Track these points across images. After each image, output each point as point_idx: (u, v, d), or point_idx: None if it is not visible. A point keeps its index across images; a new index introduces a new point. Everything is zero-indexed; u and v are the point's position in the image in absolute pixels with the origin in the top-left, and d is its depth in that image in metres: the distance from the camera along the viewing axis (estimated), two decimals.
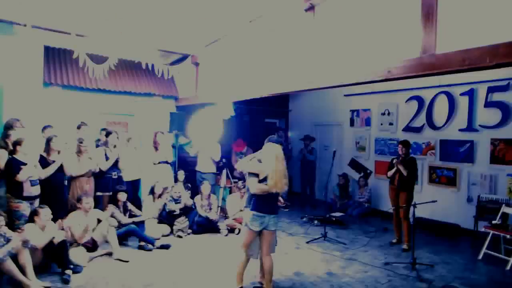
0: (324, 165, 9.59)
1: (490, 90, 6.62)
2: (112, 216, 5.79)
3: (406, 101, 7.99)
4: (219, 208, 7.32)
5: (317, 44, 4.98)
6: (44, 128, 6.13)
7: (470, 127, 6.91)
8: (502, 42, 2.95)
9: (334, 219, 7.53)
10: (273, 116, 11.01)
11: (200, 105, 8.32)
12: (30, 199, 5.03)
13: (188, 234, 6.70)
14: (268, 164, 4.05)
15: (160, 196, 6.75)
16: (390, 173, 6.39)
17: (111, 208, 5.87)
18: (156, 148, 7.37)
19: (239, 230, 5.97)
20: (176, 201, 6.80)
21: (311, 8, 4.98)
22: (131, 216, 6.12)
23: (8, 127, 5.46)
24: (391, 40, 3.98)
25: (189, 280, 4.71)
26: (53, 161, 5.45)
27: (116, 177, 6.41)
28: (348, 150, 9.35)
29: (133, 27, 6.71)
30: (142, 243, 5.86)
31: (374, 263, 5.50)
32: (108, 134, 6.50)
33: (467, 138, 6.95)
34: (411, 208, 5.50)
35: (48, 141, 5.51)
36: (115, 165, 6.39)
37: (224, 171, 7.89)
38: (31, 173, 4.95)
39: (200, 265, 5.24)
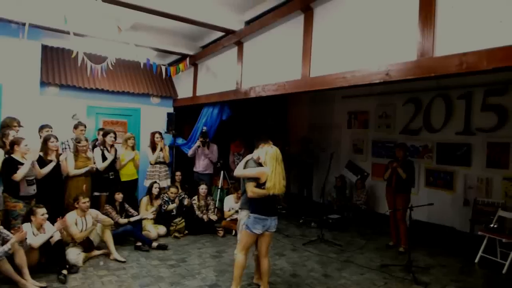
0: (321, 167, 9.59)
1: (487, 93, 6.64)
2: (108, 216, 5.78)
3: (403, 104, 8.01)
4: (216, 209, 7.31)
5: (315, 46, 4.99)
6: (41, 127, 6.12)
7: (467, 131, 6.92)
8: (500, 46, 2.96)
9: (331, 221, 7.53)
10: (272, 118, 11.00)
11: (198, 105, 8.36)
12: (27, 198, 5.01)
13: (185, 234, 6.69)
14: (267, 166, 4.05)
15: (157, 196, 6.74)
16: (386, 175, 6.41)
17: (107, 209, 5.88)
18: (153, 149, 7.37)
19: (235, 231, 5.97)
20: (173, 201, 6.79)
21: (308, 8, 5.00)
22: (128, 216, 6.11)
23: (5, 126, 5.44)
24: (389, 42, 3.99)
25: (186, 281, 4.70)
26: (50, 161, 5.44)
27: (113, 177, 6.40)
28: (345, 152, 9.36)
29: (132, 26, 6.74)
30: (139, 244, 5.85)
31: (371, 266, 5.51)
32: (105, 134, 6.49)
33: (464, 141, 6.97)
34: (408, 211, 5.51)
35: (46, 140, 5.49)
36: (112, 165, 6.38)
37: (221, 172, 7.89)
38: (28, 173, 4.93)
39: (197, 266, 5.23)
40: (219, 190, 7.79)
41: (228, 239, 6.59)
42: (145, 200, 6.68)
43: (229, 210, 6.98)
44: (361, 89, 7.71)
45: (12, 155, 4.93)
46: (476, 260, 5.73)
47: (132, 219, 6.05)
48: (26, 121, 5.87)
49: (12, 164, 4.85)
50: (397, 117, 8.21)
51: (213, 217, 6.98)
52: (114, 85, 8.06)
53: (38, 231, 4.61)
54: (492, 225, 5.76)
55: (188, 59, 7.62)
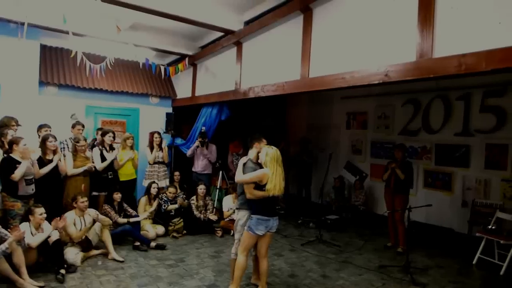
0: (320, 168, 9.59)
1: (486, 95, 6.65)
2: (107, 216, 5.78)
3: (402, 105, 8.02)
4: (214, 209, 7.31)
5: (314, 46, 4.99)
6: (40, 127, 6.10)
7: (465, 132, 6.93)
8: (499, 48, 2.96)
9: (329, 221, 7.54)
10: (271, 118, 11.00)
11: (197, 105, 8.35)
12: (25, 198, 4.99)
13: (183, 234, 6.69)
14: (268, 167, 4.04)
15: (155, 196, 6.74)
16: (385, 176, 6.42)
17: (105, 208, 5.88)
18: (152, 148, 7.36)
19: (233, 231, 5.95)
20: (172, 201, 6.79)
21: (308, 9, 5.00)
22: (126, 216, 6.10)
23: (3, 125, 5.43)
24: (388, 43, 3.99)
25: (184, 281, 4.70)
26: (49, 160, 5.43)
27: (111, 177, 6.40)
28: (344, 153, 9.37)
29: (132, 26, 6.73)
30: (137, 243, 5.85)
31: (369, 266, 5.51)
32: (104, 134, 6.48)
33: (463, 143, 6.98)
34: (406, 212, 5.51)
35: (44, 140, 5.48)
36: (111, 165, 6.38)
37: (220, 173, 7.89)
38: (26, 172, 4.92)
39: (195, 266, 5.23)
40: (217, 190, 7.79)
41: (227, 239, 6.58)
42: (143, 200, 6.67)
43: (228, 210, 6.97)
44: (360, 90, 7.74)
45: (10, 155, 4.92)
46: (474, 262, 5.73)
47: (131, 219, 6.05)
48: (25, 121, 5.85)
49: (10, 164, 4.83)
50: (396, 118, 8.22)
51: (213, 217, 6.98)
52: (113, 85, 8.05)
53: (36, 231, 4.60)
54: (490, 227, 5.77)
55: (187, 59, 7.62)
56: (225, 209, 7.03)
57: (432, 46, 3.50)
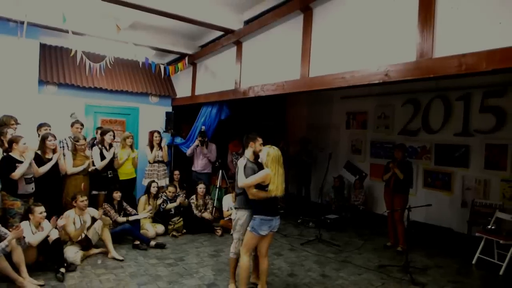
0: (320, 167, 9.59)
1: (486, 95, 6.65)
2: (107, 215, 5.78)
3: (402, 105, 8.02)
4: (214, 208, 7.31)
5: (314, 46, 4.99)
6: (40, 126, 6.10)
7: (465, 132, 6.94)
8: (499, 48, 2.96)
9: (329, 221, 7.54)
10: (270, 118, 11.01)
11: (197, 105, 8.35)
12: (25, 197, 4.98)
13: (183, 233, 6.69)
14: (269, 168, 4.03)
15: (155, 195, 6.74)
16: (385, 177, 6.42)
17: (105, 207, 5.88)
18: (151, 148, 7.36)
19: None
20: (171, 200, 6.79)
21: (308, 8, 5.00)
22: (126, 215, 6.11)
23: (2, 124, 5.42)
24: (388, 43, 3.99)
25: (184, 279, 4.70)
26: (48, 159, 5.42)
27: (111, 175, 6.40)
28: (344, 153, 9.37)
29: (131, 25, 6.73)
30: (137, 242, 5.85)
31: (368, 266, 5.51)
32: (103, 133, 6.48)
33: (462, 143, 6.98)
34: (406, 212, 5.51)
35: (44, 139, 5.47)
36: (110, 164, 6.38)
37: (220, 172, 7.89)
38: (26, 171, 4.91)
39: (195, 265, 5.23)
40: (217, 189, 7.79)
41: (226, 238, 6.58)
42: (143, 199, 6.67)
43: (228, 210, 6.97)
44: (360, 90, 7.74)
45: (10, 153, 4.91)
46: (474, 261, 5.74)
47: (131, 218, 6.05)
48: (24, 120, 5.85)
49: (10, 163, 4.83)
50: (396, 118, 8.22)
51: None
52: (112, 84, 8.05)
53: (36, 230, 4.60)
54: (489, 227, 5.78)
55: (187, 58, 7.62)
56: (224, 208, 7.03)
57: (432, 46, 3.50)
